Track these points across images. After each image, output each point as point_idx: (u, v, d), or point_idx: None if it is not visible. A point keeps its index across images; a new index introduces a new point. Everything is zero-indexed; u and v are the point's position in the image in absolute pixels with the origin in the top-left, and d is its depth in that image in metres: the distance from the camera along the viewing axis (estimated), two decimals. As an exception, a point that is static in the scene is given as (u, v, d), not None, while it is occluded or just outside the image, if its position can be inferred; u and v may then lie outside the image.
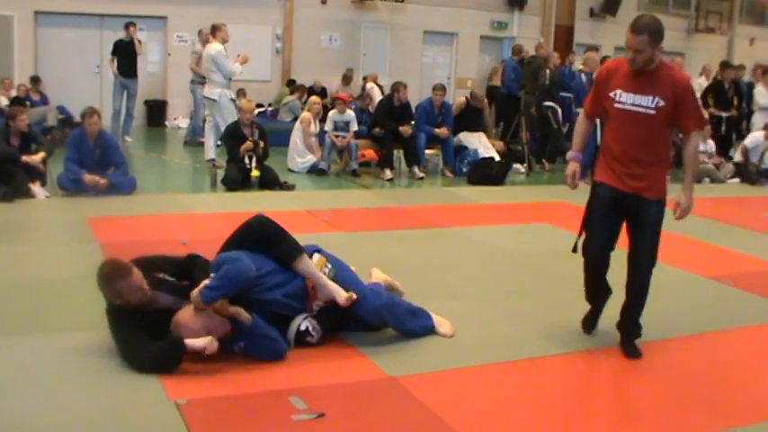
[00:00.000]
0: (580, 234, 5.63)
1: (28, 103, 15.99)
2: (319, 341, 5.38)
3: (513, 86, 17.53)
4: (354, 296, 5.42)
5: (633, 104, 5.26)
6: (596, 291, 5.80)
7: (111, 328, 5.19)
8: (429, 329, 5.77)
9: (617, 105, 5.33)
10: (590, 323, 5.92)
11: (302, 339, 5.32)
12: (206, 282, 5.00)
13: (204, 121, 14.71)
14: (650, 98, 5.22)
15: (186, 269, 5.33)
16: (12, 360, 5.08)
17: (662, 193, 5.42)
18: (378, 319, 5.58)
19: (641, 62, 5.17)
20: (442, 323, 5.84)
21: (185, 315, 5.05)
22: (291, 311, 5.39)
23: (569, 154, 5.78)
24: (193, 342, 4.93)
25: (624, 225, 5.54)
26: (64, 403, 4.50)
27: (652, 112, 5.22)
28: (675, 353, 5.69)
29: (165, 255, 5.48)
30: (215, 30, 13.69)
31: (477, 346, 5.67)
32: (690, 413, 4.67)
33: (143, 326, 5.05)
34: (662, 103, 5.21)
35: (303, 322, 5.35)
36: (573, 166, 5.67)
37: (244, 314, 5.06)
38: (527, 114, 15.38)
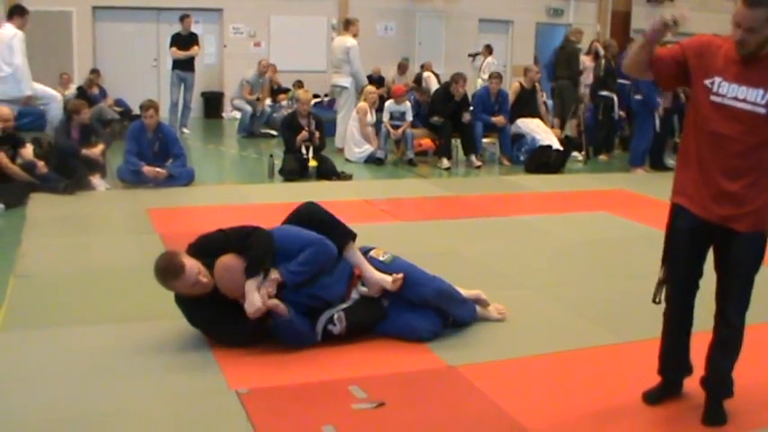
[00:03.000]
0: (663, 280, 4.41)
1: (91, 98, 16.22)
2: (347, 336, 5.26)
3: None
4: (401, 275, 5.37)
5: (736, 99, 3.96)
6: (672, 356, 4.55)
7: (185, 316, 5.32)
8: (474, 316, 5.77)
9: (713, 98, 4.01)
10: (654, 396, 4.58)
11: (325, 327, 5.24)
12: (288, 265, 5.11)
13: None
14: (760, 92, 3.92)
15: (246, 243, 5.22)
16: (76, 349, 5.16)
17: (762, 224, 4.15)
18: (429, 295, 5.48)
19: (754, 46, 3.88)
20: (488, 310, 5.87)
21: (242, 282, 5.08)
22: (331, 296, 5.32)
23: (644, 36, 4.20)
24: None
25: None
26: (126, 392, 4.55)
27: (762, 110, 3.92)
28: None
29: (225, 230, 5.37)
30: (348, 24, 14.83)
31: (536, 335, 5.64)
32: (747, 405, 4.56)
33: (213, 306, 5.15)
34: None
35: (334, 312, 5.28)
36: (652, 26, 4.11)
37: (281, 308, 5.05)
38: (564, 100, 15.36)
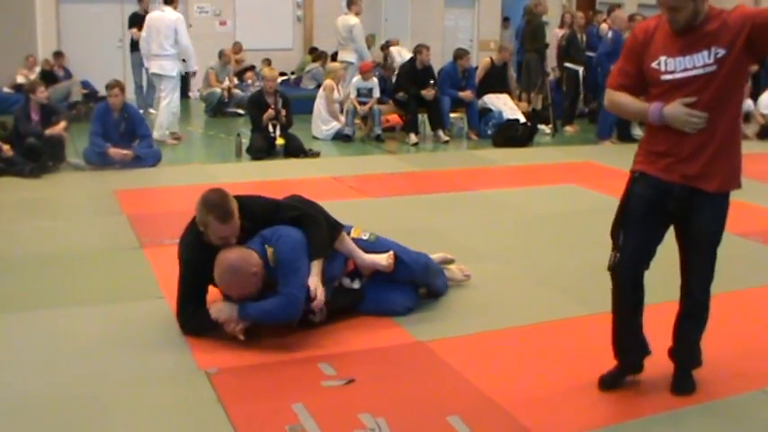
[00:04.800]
0: (615, 248, 4.31)
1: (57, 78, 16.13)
2: (326, 320, 5.23)
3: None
4: (392, 253, 5.39)
5: (685, 69, 3.96)
6: (627, 336, 4.44)
7: (179, 253, 5.14)
8: (446, 284, 5.88)
9: (665, 77, 4.02)
10: (610, 380, 4.47)
11: (305, 316, 5.13)
12: (249, 307, 4.84)
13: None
14: (705, 53, 3.92)
15: (299, 221, 5.10)
16: (44, 333, 5.13)
17: (727, 183, 4.13)
18: (418, 274, 5.58)
19: (683, 21, 3.92)
20: (451, 271, 6.00)
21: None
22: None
23: (651, 111, 4.05)
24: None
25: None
26: (95, 374, 4.53)
27: (713, 68, 3.91)
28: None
29: (277, 201, 5.27)
30: (351, 3, 15.14)
31: (505, 308, 5.66)
32: (715, 373, 4.61)
33: (205, 271, 4.92)
34: (722, 53, 3.89)
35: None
36: (672, 106, 3.99)
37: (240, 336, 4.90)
38: (531, 73, 15.47)
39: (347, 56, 15.20)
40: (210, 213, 4.81)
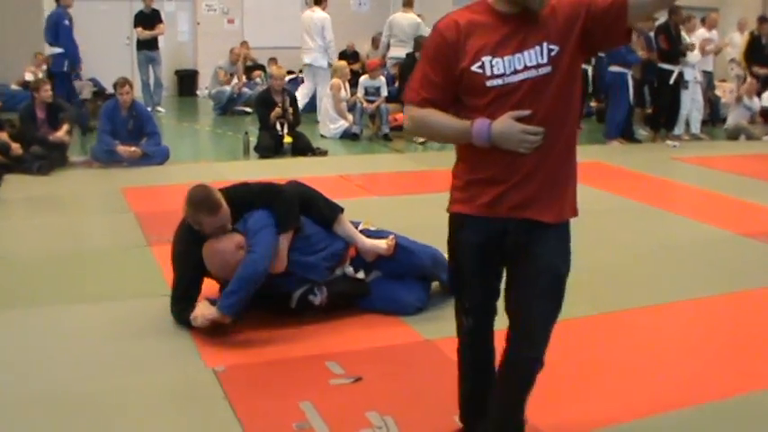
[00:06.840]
0: (463, 311, 3.57)
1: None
2: (328, 308, 5.28)
3: None
4: (392, 236, 5.43)
5: (516, 72, 3.08)
6: (472, 401, 3.74)
7: (172, 249, 5.27)
8: None
9: (492, 83, 3.11)
10: None
11: (306, 297, 5.22)
12: (223, 296, 4.93)
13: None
14: (538, 50, 3.09)
15: (272, 202, 5.21)
16: (52, 330, 5.14)
17: (567, 210, 3.39)
18: (425, 263, 5.57)
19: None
20: None
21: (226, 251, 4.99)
22: (316, 277, 5.27)
23: (477, 130, 3.14)
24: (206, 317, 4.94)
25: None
26: (103, 372, 4.54)
27: (547, 69, 3.09)
28: (707, 312, 5.63)
29: (251, 185, 5.45)
30: (409, 3, 15.77)
31: (512, 307, 5.65)
32: (720, 373, 4.62)
33: (196, 260, 5.04)
34: (556, 49, 3.10)
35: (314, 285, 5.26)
36: (502, 123, 3.09)
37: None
38: None
39: (398, 52, 15.57)
40: (200, 211, 4.97)
